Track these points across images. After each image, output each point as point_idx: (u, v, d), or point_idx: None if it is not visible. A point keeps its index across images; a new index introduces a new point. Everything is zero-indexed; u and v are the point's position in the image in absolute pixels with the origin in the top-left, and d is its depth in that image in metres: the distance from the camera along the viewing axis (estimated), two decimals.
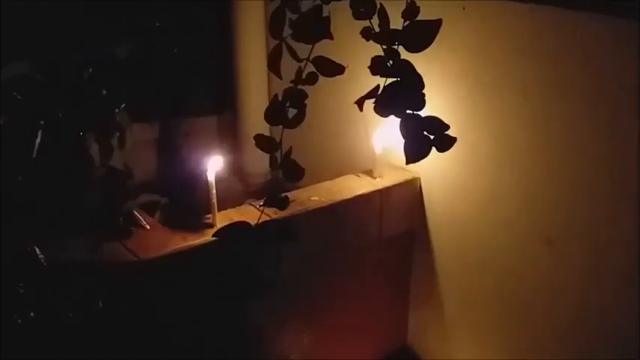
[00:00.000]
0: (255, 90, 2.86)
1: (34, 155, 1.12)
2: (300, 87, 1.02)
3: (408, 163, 1.03)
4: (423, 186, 2.16)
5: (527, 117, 1.82)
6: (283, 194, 1.08)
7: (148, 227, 1.55)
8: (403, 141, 1.04)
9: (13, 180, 1.12)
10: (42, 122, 1.13)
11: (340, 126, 2.43)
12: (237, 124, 2.94)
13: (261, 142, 1.03)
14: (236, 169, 2.99)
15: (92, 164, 1.23)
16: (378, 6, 1.06)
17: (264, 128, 3.12)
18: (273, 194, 1.04)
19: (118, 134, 1.26)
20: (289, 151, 1.04)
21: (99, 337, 1.41)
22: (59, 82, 1.14)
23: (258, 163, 2.96)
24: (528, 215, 1.89)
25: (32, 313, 1.17)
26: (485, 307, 2.12)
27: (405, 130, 1.03)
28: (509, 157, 1.89)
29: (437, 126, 1.03)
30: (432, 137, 1.03)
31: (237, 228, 1.02)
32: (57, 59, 1.13)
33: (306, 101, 1.02)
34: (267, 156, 3.21)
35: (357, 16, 1.07)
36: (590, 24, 1.62)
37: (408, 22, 1.05)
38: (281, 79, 1.02)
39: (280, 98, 1.01)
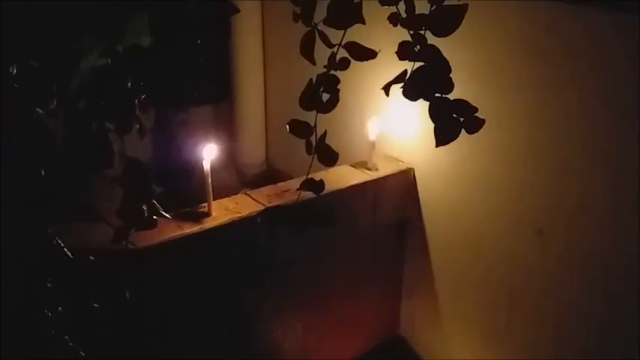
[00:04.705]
0: (252, 81, 2.86)
1: (51, 145, 1.10)
2: (332, 72, 1.02)
3: (438, 145, 1.03)
4: (417, 177, 2.18)
5: (520, 109, 1.86)
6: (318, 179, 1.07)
7: (170, 217, 1.54)
8: (433, 125, 1.04)
9: (32, 171, 1.10)
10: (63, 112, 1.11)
11: (335, 116, 2.43)
12: (233, 114, 2.93)
13: (296, 127, 1.02)
14: (232, 160, 2.98)
15: (113, 155, 1.21)
16: None
17: (260, 120, 3.11)
18: (310, 179, 1.03)
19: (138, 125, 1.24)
20: (324, 136, 1.04)
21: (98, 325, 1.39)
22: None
23: (254, 153, 2.97)
24: (520, 207, 1.93)
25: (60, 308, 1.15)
26: (476, 296, 2.16)
27: (434, 113, 1.03)
28: (502, 149, 1.93)
29: (466, 108, 1.04)
30: (461, 120, 1.03)
31: (277, 211, 1.02)
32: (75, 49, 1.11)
33: (339, 86, 1.02)
34: (262, 146, 3.18)
35: (384, 2, 1.07)
36: (583, 17, 1.66)
37: (434, 7, 1.05)
38: (314, 64, 1.02)
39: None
